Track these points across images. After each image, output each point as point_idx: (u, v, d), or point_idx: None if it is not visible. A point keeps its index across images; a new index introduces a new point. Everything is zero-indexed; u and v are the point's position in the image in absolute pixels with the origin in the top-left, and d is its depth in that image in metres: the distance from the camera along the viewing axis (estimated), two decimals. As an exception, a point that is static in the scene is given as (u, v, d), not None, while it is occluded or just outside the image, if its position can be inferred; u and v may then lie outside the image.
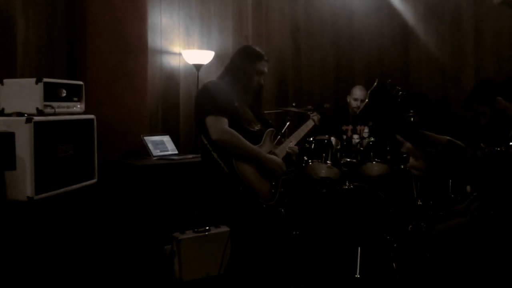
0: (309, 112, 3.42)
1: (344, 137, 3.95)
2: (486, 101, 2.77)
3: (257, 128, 2.76)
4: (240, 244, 2.67)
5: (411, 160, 1.32)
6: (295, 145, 3.00)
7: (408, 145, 1.29)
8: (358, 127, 4.26)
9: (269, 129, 2.81)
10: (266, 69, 2.83)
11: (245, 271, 2.66)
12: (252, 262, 2.68)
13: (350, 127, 4.33)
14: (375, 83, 1.32)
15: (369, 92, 1.32)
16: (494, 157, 1.27)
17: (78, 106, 3.18)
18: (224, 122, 2.57)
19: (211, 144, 2.60)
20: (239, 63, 2.79)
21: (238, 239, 2.68)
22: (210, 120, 2.57)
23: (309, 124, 3.26)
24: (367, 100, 1.27)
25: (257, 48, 2.88)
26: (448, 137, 1.29)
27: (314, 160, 3.73)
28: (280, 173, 2.73)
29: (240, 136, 2.58)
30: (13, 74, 3.45)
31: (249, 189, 2.55)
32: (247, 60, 2.78)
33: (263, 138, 2.75)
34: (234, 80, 2.74)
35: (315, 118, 3.33)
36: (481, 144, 1.33)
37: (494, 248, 1.47)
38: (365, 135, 3.89)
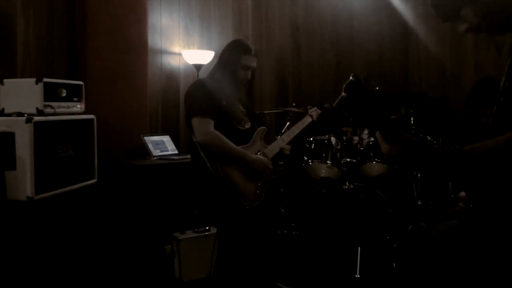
0: (308, 107, 3.32)
1: (344, 138, 3.94)
2: (486, 100, 2.76)
3: (247, 126, 2.70)
4: (226, 245, 2.65)
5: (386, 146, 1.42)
6: (288, 143, 2.94)
7: (378, 136, 1.42)
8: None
9: (260, 128, 2.76)
10: (253, 64, 2.74)
11: (232, 272, 2.64)
12: (239, 263, 2.65)
13: (350, 128, 4.32)
14: (351, 77, 1.35)
15: (344, 86, 1.34)
16: (442, 155, 1.37)
17: (78, 106, 3.18)
18: (209, 123, 2.55)
19: (199, 143, 2.59)
20: (226, 57, 2.74)
21: (223, 240, 2.66)
22: (195, 122, 2.56)
23: (306, 120, 3.16)
24: (343, 93, 1.29)
25: (246, 42, 2.81)
26: (409, 135, 1.38)
27: (314, 160, 3.72)
28: (267, 173, 2.69)
29: (225, 138, 2.55)
30: (13, 74, 3.45)
31: (233, 191, 2.53)
32: (233, 53, 2.72)
33: (253, 137, 2.70)
34: (222, 75, 2.69)
35: (314, 113, 3.23)
36: (434, 145, 1.41)
37: (489, 248, 1.47)
38: (365, 136, 3.89)
